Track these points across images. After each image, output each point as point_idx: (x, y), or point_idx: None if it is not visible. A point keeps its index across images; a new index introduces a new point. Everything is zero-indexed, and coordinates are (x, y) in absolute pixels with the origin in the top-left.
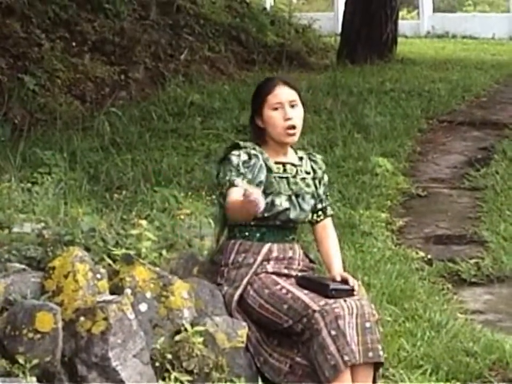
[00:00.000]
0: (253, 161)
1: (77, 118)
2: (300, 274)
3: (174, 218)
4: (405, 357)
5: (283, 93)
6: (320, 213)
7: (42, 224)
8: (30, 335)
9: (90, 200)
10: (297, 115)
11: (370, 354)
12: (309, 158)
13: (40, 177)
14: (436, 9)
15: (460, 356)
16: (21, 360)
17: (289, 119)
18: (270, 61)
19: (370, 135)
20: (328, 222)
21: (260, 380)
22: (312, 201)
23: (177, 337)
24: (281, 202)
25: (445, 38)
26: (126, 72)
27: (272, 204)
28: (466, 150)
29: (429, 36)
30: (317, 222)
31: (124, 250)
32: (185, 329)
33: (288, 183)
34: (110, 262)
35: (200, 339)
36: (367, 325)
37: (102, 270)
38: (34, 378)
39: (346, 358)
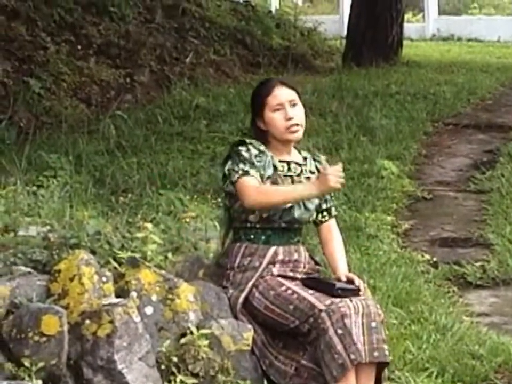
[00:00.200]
0: (263, 156)
1: (82, 121)
2: (305, 277)
3: (179, 221)
4: (411, 359)
5: (282, 93)
6: (325, 213)
7: (48, 227)
8: (36, 338)
9: (96, 203)
10: (298, 113)
11: (376, 353)
12: (313, 158)
13: (45, 180)
14: (441, 12)
15: (465, 358)
16: (26, 363)
17: (291, 118)
18: (276, 64)
19: (375, 138)
20: (332, 222)
21: (265, 382)
22: (316, 201)
23: (182, 340)
24: None
25: (450, 40)
26: (131, 75)
27: None
28: (471, 152)
29: (434, 39)
30: (322, 222)
31: (129, 253)
32: (191, 332)
33: (293, 182)
34: (116, 265)
35: (206, 342)
36: (373, 324)
37: (108, 273)
38: (40, 382)
39: (352, 356)
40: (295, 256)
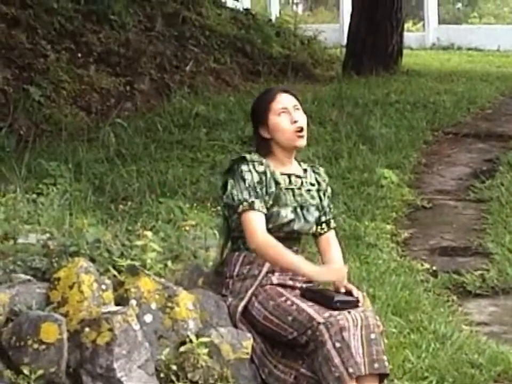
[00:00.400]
0: (263, 180)
1: (82, 129)
2: (304, 285)
3: (179, 230)
4: (410, 368)
5: (286, 99)
6: (324, 225)
7: (48, 235)
8: (35, 345)
9: (96, 211)
10: (302, 118)
11: (376, 365)
12: (313, 171)
13: (45, 188)
14: (441, 21)
15: (465, 367)
16: (26, 371)
17: (296, 121)
18: (276, 73)
19: (375, 147)
20: (331, 234)
21: None
22: (316, 213)
23: (182, 348)
24: (287, 214)
25: (450, 50)
26: (131, 84)
27: (278, 215)
28: (471, 162)
29: (434, 48)
30: (321, 234)
31: (129, 261)
32: (190, 341)
33: (294, 195)
34: (115, 273)
35: (205, 350)
36: (372, 336)
37: (107, 281)
38: None
39: (350, 370)
40: None
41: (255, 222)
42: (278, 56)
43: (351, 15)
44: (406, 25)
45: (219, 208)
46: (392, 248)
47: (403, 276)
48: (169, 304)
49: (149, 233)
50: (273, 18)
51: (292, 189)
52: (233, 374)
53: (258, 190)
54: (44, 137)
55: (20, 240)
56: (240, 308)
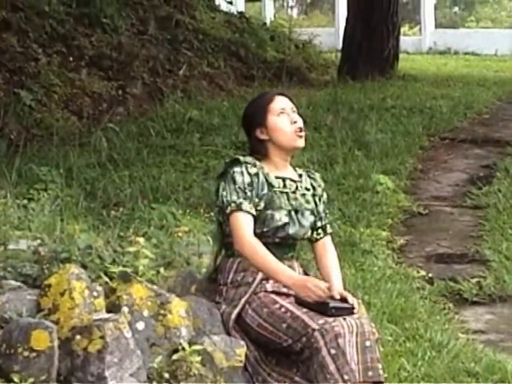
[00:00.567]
0: (255, 182)
1: (73, 133)
2: None
3: (171, 236)
4: (406, 377)
5: (283, 101)
6: (319, 230)
7: (38, 241)
8: (26, 353)
9: (87, 217)
10: (300, 120)
11: (370, 373)
12: (308, 176)
13: (36, 193)
14: (438, 25)
15: (461, 376)
16: (16, 379)
17: (296, 122)
18: (270, 77)
19: (371, 153)
20: (327, 239)
21: None
22: (311, 218)
23: (174, 356)
24: (281, 217)
25: (447, 54)
26: (123, 88)
27: (272, 218)
28: (468, 167)
29: (430, 52)
30: (317, 240)
31: (121, 268)
32: (183, 348)
33: (288, 198)
34: (107, 279)
35: (198, 358)
36: (367, 343)
37: (99, 288)
38: None
39: (346, 377)
40: None
41: (242, 223)
42: (273, 60)
43: (347, 19)
44: (402, 29)
45: (212, 214)
46: (388, 255)
47: (399, 283)
48: (162, 312)
49: (141, 240)
50: (267, 22)
51: (286, 193)
52: (226, 382)
53: (247, 191)
54: (34, 142)
55: (10, 246)
56: (233, 316)
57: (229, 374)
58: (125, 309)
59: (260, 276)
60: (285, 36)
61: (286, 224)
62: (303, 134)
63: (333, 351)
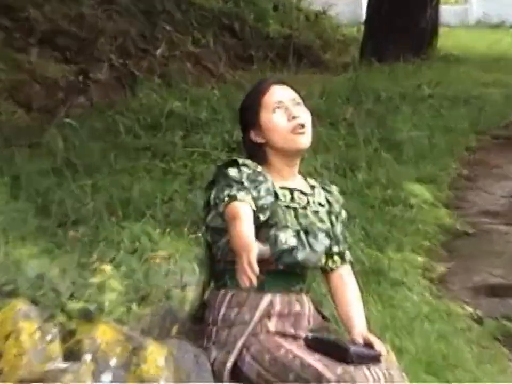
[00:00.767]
0: (260, 177)
1: (21, 131)
2: (310, 334)
3: (147, 263)
4: None
5: (281, 91)
6: (336, 257)
7: None
8: None
9: (38, 239)
10: (304, 114)
11: None
12: (323, 188)
13: None
14: None
15: None
16: None
17: (295, 117)
18: (273, 58)
19: (402, 155)
20: (346, 269)
21: None
22: (326, 241)
23: None
24: (287, 238)
25: (500, 28)
26: (85, 72)
27: (275, 240)
28: None
29: (479, 26)
30: (332, 269)
31: (81, 304)
32: None
33: (296, 215)
34: (64, 319)
35: None
36: None
37: (54, 330)
38: None
39: None
40: (297, 307)
41: (239, 211)
42: (276, 36)
43: None
44: None
45: (199, 234)
46: (425, 287)
47: (438, 323)
48: (135, 360)
49: (107, 268)
50: None
51: (295, 208)
52: None
53: (246, 183)
54: None
55: None
56: (228, 364)
57: None
58: (87, 357)
59: (259, 312)
60: (292, 5)
61: (293, 248)
62: (303, 130)
63: None
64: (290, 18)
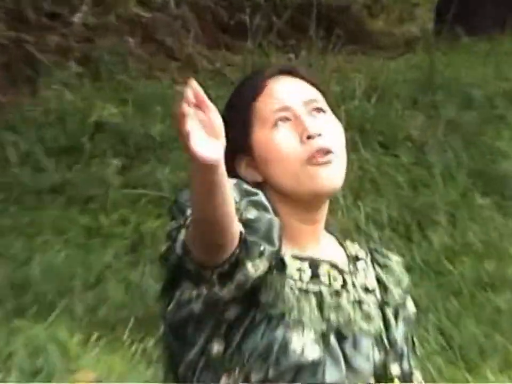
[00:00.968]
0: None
1: None
2: None
3: None
4: None
5: (289, 89)
6: (397, 381)
7: None
8: None
9: None
10: (326, 126)
11: None
12: (372, 260)
13: None
14: None
15: None
16: None
17: (312, 136)
18: (282, 28)
19: (509, 201)
20: None
21: None
22: (376, 354)
23: None
24: (304, 346)
25: None
26: None
27: (285, 347)
28: None
29: None
30: None
31: None
32: None
33: (321, 306)
34: None
35: None
36: None
37: None
38: None
39: None
40: None
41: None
42: None
43: None
44: None
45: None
46: None
47: None
48: None
49: None
50: None
51: (318, 293)
52: None
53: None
54: None
55: None
56: None
57: None
58: None
59: None
60: None
61: (316, 363)
62: (329, 158)
63: None
64: None
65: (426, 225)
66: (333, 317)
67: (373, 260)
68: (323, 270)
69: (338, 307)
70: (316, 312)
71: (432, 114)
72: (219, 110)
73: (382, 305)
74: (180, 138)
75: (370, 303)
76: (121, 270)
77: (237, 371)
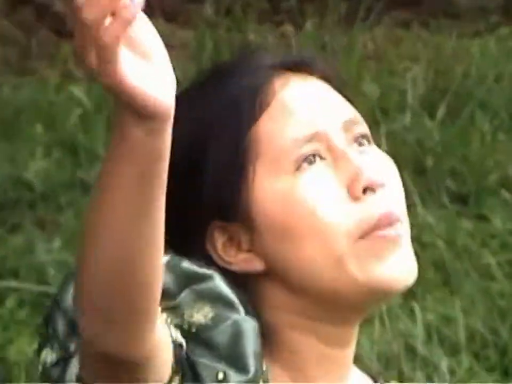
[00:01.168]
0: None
1: None
2: None
3: None
4: None
5: (313, 99)
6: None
7: None
8: None
9: None
10: (383, 170)
11: None
12: None
13: None
14: None
15: None
16: None
17: (369, 188)
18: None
19: None
20: None
21: None
22: None
23: None
24: None
25: None
26: None
27: None
28: None
29: None
30: None
31: None
32: None
33: None
34: None
35: None
36: None
37: None
38: None
39: None
40: None
41: None
42: None
43: None
44: None
45: None
46: None
47: None
48: None
49: None
50: None
51: None
52: None
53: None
54: None
55: None
56: None
57: None
58: None
59: None
60: None
61: None
62: (397, 232)
63: None
64: None
65: None
66: None
67: None
68: None
69: None
70: None
71: None
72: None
73: None
74: (87, 60)
75: None
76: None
77: None
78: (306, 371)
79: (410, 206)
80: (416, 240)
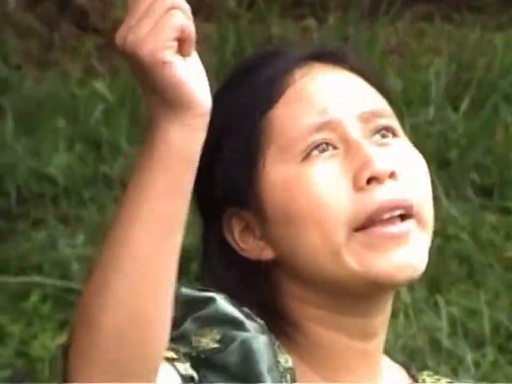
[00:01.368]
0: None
1: None
2: None
3: None
4: None
5: (332, 88)
6: None
7: None
8: None
9: None
10: (403, 163)
11: None
12: None
13: None
14: None
15: None
16: None
17: (375, 177)
18: None
19: None
20: None
21: None
22: None
23: None
24: None
25: None
26: None
27: None
28: None
29: None
30: None
31: None
32: None
33: None
34: None
35: None
36: None
37: None
38: None
39: None
40: None
41: None
42: None
43: None
44: None
45: None
46: None
47: None
48: None
49: None
50: None
51: None
52: None
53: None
54: None
55: None
56: None
57: None
58: None
59: None
60: None
61: None
62: (405, 228)
63: None
64: None
65: None
66: None
67: None
68: None
69: None
70: None
71: None
72: None
73: None
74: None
75: None
76: None
77: None
78: (333, 365)
79: (434, 199)
80: (440, 233)
